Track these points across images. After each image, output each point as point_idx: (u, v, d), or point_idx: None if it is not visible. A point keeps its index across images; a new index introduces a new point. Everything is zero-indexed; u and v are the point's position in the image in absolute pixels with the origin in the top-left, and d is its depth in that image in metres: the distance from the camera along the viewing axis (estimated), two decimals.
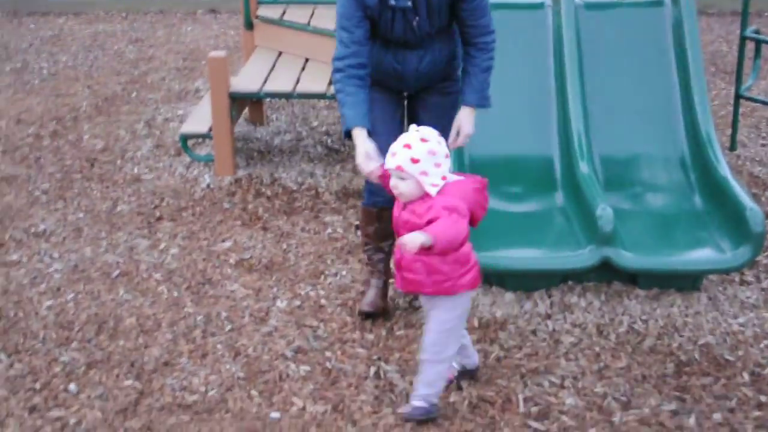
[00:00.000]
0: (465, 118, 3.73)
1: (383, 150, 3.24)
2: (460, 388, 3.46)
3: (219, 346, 3.76)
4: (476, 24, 3.68)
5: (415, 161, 3.02)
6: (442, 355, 3.19)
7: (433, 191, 3.05)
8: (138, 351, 3.76)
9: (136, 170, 5.67)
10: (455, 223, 3.01)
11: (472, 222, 3.14)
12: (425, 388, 3.22)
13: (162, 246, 4.66)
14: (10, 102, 7.11)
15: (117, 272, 4.41)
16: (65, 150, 6.09)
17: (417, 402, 3.22)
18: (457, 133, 3.72)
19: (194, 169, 5.60)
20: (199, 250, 4.60)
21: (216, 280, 4.31)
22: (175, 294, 4.19)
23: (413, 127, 3.14)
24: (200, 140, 5.82)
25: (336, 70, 3.62)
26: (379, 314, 3.88)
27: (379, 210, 3.91)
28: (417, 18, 3.60)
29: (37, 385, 3.55)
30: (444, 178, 3.06)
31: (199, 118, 5.68)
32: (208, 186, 5.34)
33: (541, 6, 4.94)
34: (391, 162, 3.07)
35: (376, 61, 3.72)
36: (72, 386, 3.53)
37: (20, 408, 3.41)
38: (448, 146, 3.18)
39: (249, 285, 4.22)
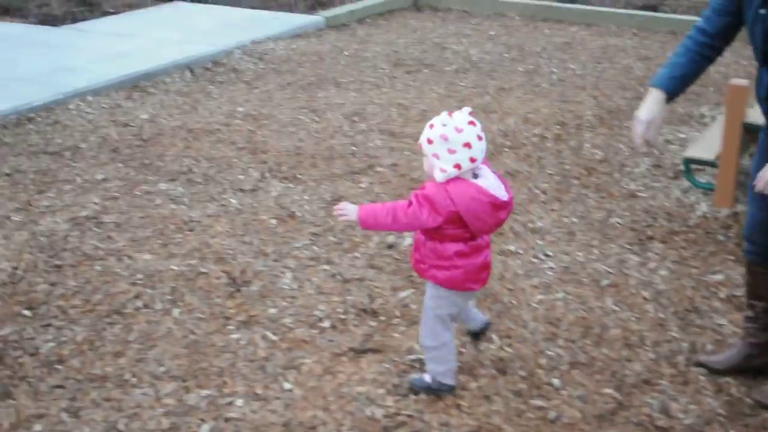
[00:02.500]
0: None
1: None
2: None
3: (702, 378, 3.71)
4: None
5: (429, 142, 3.06)
6: (432, 342, 3.41)
7: (439, 176, 3.05)
8: (620, 362, 3.83)
9: (632, 186, 5.73)
10: (405, 211, 3.07)
11: (472, 230, 3.13)
12: (430, 364, 3.47)
13: (652, 265, 4.68)
14: (520, 101, 7.51)
15: (606, 282, 4.51)
16: (566, 155, 6.31)
17: (426, 376, 3.49)
18: None
19: (691, 194, 5.54)
20: (689, 277, 4.56)
21: (703, 310, 4.25)
22: (661, 315, 4.20)
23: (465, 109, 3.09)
24: (699, 166, 5.73)
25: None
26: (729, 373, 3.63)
27: (749, 263, 3.59)
28: None
29: (523, 372, 3.74)
30: (458, 166, 3.04)
31: (706, 144, 5.61)
32: (704, 215, 5.26)
33: None
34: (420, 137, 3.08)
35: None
36: (555, 381, 3.69)
37: (506, 389, 3.62)
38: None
39: (737, 323, 4.10)
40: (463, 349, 3.86)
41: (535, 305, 4.29)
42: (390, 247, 4.82)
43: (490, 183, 3.15)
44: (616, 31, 10.21)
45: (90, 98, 7.20)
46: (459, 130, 3.03)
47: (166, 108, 7.07)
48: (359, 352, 3.85)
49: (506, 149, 6.37)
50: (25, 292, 4.30)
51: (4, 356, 3.81)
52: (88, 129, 6.57)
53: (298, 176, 5.81)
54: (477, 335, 3.92)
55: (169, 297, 4.28)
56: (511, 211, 3.27)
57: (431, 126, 3.08)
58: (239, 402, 3.52)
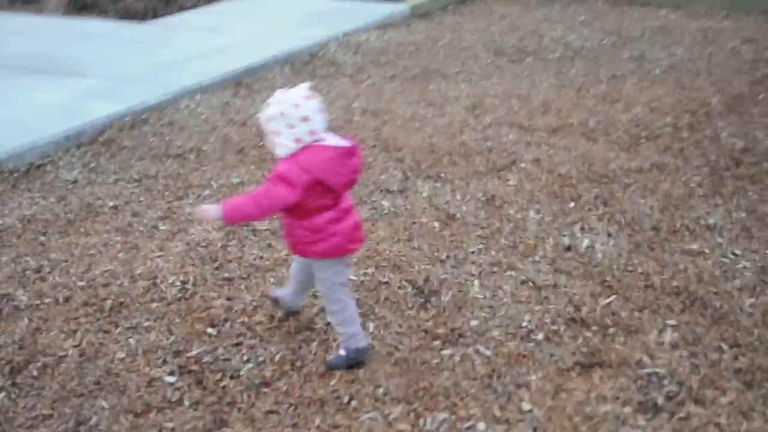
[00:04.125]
0: None
1: None
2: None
3: None
4: None
5: (268, 121, 3.10)
6: (335, 306, 3.48)
7: (280, 152, 3.12)
8: None
9: None
10: (265, 194, 3.11)
11: (334, 189, 3.16)
12: (340, 328, 3.53)
13: None
14: (637, 89, 7.19)
15: None
16: (705, 145, 5.99)
17: (340, 352, 3.54)
18: None
19: None
20: None
21: None
22: None
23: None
24: None
25: None
26: None
27: None
28: None
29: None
30: (298, 140, 3.08)
31: None
32: None
33: None
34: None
35: None
36: None
37: (761, 404, 3.32)
38: None
39: None
40: (696, 360, 3.55)
41: (749, 309, 3.96)
42: (568, 249, 4.51)
43: (330, 139, 3.19)
44: (706, 14, 9.84)
45: (198, 96, 6.91)
46: (296, 105, 3.07)
47: None
48: (586, 367, 3.56)
49: (643, 140, 6.04)
50: (203, 308, 4.00)
51: (204, 379, 3.52)
52: (205, 129, 6.28)
53: (442, 175, 5.50)
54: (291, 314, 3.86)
55: (359, 310, 3.98)
56: (359, 158, 3.29)
57: (268, 104, 3.12)
58: (481, 426, 3.25)
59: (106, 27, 9.07)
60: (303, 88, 3.16)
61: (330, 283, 3.46)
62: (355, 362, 3.56)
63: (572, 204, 5.03)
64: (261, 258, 4.49)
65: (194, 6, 9.93)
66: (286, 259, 4.45)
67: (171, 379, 3.53)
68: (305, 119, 3.11)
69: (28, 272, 4.37)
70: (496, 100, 6.93)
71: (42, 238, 4.72)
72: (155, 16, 9.46)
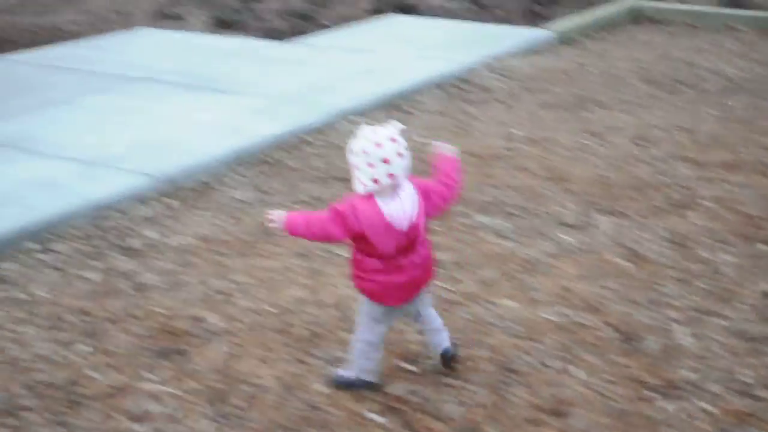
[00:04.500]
0: None
1: None
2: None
3: None
4: None
5: (352, 153, 3.08)
6: (363, 336, 3.47)
7: (357, 188, 3.09)
8: None
9: None
10: (321, 222, 3.18)
11: (378, 249, 3.16)
12: (358, 359, 3.50)
13: None
14: None
15: None
16: None
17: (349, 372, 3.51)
18: None
19: None
20: None
21: None
22: None
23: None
24: None
25: None
26: None
27: None
28: None
29: None
30: (376, 181, 3.05)
31: None
32: None
33: None
34: None
35: None
36: None
37: None
38: None
39: None
40: None
41: None
42: None
43: (396, 207, 3.15)
44: None
45: (353, 117, 6.80)
46: (379, 145, 3.03)
47: (436, 130, 6.66)
48: None
49: None
50: (399, 342, 3.87)
51: (413, 421, 3.38)
52: None
53: (619, 209, 5.28)
54: (446, 362, 3.63)
55: (560, 353, 3.80)
56: (416, 237, 3.23)
57: (356, 137, 3.10)
58: None
59: (252, 45, 9.10)
60: (390, 129, 3.11)
61: (365, 316, 3.45)
62: (354, 388, 3.54)
63: (766, 247, 4.77)
64: (449, 291, 4.34)
65: (334, 26, 9.89)
66: (477, 294, 4.30)
67: (380, 419, 3.40)
68: (385, 161, 3.05)
69: (216, 295, 4.29)
70: (660, 132, 6.69)
71: (223, 260, 4.65)
72: (297, 34, 9.45)
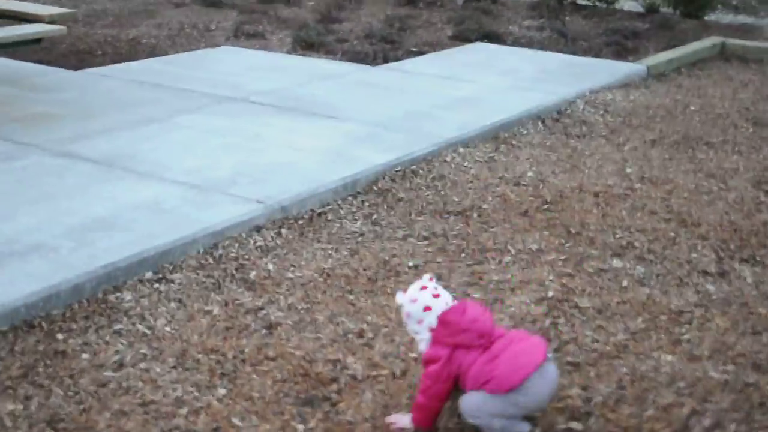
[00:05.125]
0: None
1: None
2: None
3: None
4: None
5: (405, 324, 3.30)
6: None
7: (422, 347, 3.22)
8: None
9: None
10: (426, 393, 3.22)
11: None
12: None
13: None
14: None
15: None
16: None
17: None
18: None
19: None
20: None
21: None
22: None
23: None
24: None
25: None
26: None
27: None
28: None
29: None
30: (432, 329, 3.19)
31: None
32: None
33: None
34: None
35: None
36: None
37: None
38: None
39: None
40: None
41: None
42: None
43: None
44: None
45: (462, 150, 6.55)
46: (414, 301, 3.21)
47: (544, 164, 6.40)
48: None
49: None
50: (558, 398, 3.54)
51: None
52: (479, 186, 5.92)
53: (758, 258, 4.96)
54: None
55: (737, 415, 3.47)
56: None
57: (400, 309, 3.27)
58: None
59: (340, 68, 8.87)
60: (419, 282, 3.28)
61: None
62: None
63: None
64: (596, 341, 4.02)
65: (421, 52, 9.65)
66: (627, 345, 3.99)
67: None
68: (427, 309, 3.19)
69: (351, 336, 4.00)
70: None
71: (350, 297, 4.37)
72: (383, 58, 9.21)
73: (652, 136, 7.32)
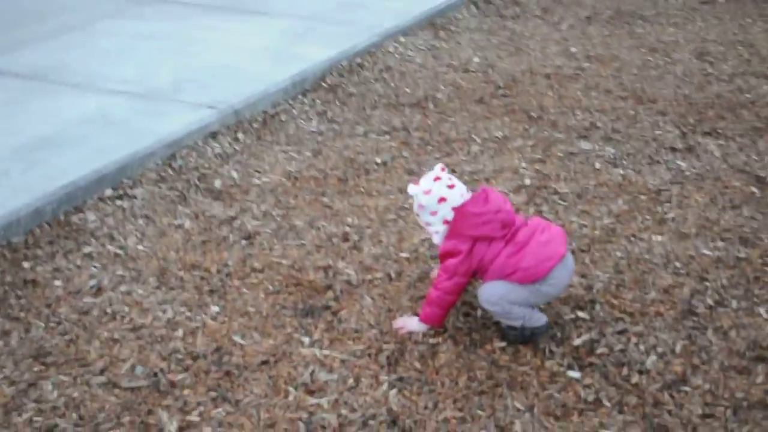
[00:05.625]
0: None
1: None
2: None
3: None
4: None
5: (417, 215, 3.14)
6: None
7: (437, 239, 3.10)
8: None
9: None
10: (442, 287, 3.10)
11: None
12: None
13: None
14: None
15: None
16: None
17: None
18: None
19: None
20: None
21: None
22: None
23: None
24: None
25: None
26: None
27: None
28: None
29: None
30: (446, 222, 3.07)
31: None
32: None
33: None
34: None
35: None
36: None
37: None
38: None
39: None
40: None
41: None
42: None
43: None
44: None
45: (402, 39, 6.35)
46: (428, 192, 3.03)
47: (488, 49, 6.30)
48: None
49: None
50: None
51: (608, 374, 3.05)
52: (427, 75, 5.74)
53: (719, 131, 4.96)
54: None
55: (737, 292, 3.49)
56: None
57: (412, 201, 3.14)
58: None
59: None
60: (432, 173, 3.09)
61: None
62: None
63: None
64: (585, 226, 3.98)
65: None
66: (614, 229, 3.93)
67: (574, 374, 3.02)
68: (442, 200, 3.03)
69: (335, 240, 3.85)
70: (719, 47, 6.37)
71: (324, 199, 4.20)
72: None
73: (585, 13, 7.23)
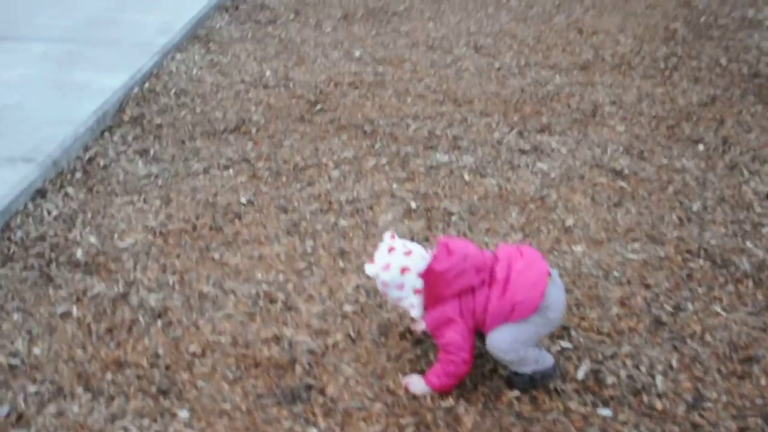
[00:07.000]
0: None
1: None
2: None
3: None
4: None
5: (384, 295, 2.94)
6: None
7: (415, 313, 2.89)
8: None
9: None
10: (444, 360, 2.89)
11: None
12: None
13: None
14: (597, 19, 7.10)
15: None
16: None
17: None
18: None
19: None
20: None
21: None
22: None
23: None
24: None
25: None
26: None
27: None
28: None
29: None
30: (417, 291, 2.86)
31: None
32: None
33: None
34: None
35: None
36: None
37: None
38: None
39: None
40: None
41: None
42: None
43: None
44: None
45: (179, 56, 5.94)
46: (387, 267, 2.81)
47: (271, 60, 6.03)
48: None
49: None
50: None
51: (626, 403, 2.97)
52: (229, 96, 5.41)
53: (548, 126, 5.11)
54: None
55: (681, 293, 3.57)
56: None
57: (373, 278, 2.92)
58: None
59: None
60: (384, 245, 2.85)
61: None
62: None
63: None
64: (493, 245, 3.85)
65: None
66: (524, 242, 3.87)
67: (604, 411, 2.92)
68: (404, 270, 2.80)
69: (262, 302, 3.42)
70: (487, 39, 6.52)
71: (213, 254, 3.73)
72: None
73: (338, 13, 7.12)
